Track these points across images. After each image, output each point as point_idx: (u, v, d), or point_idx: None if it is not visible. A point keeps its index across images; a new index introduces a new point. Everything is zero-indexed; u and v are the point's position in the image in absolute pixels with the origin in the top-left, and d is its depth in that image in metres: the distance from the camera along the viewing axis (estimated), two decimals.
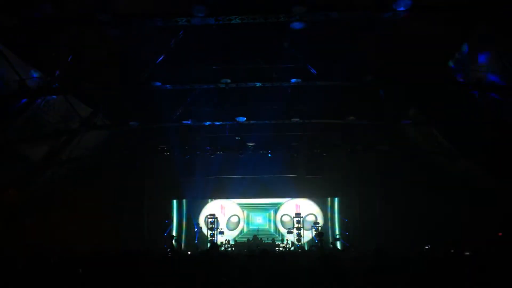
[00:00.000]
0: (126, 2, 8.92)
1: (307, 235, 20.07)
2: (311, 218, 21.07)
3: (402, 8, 7.99)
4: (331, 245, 18.65)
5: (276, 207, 21.71)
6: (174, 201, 21.47)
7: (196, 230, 20.75)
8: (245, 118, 14.26)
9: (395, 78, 11.36)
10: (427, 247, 14.64)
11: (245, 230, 21.66)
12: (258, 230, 20.74)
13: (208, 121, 14.91)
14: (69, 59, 10.76)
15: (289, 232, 20.35)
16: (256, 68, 11.88)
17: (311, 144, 17.74)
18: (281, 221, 21.58)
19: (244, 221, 21.85)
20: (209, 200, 21.66)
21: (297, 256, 13.63)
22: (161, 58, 11.30)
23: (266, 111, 14.57)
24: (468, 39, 10.09)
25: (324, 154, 18.17)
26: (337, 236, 20.12)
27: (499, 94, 10.59)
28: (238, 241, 20.70)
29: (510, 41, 9.06)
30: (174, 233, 20.52)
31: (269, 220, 21.71)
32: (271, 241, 20.13)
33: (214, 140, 17.62)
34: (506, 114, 10.74)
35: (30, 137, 13.35)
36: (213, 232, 19.92)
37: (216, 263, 7.06)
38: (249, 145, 17.70)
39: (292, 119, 14.46)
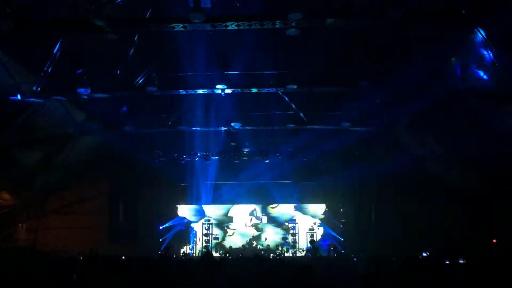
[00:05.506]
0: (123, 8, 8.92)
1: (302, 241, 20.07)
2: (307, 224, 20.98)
3: (398, 15, 7.98)
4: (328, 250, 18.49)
5: (272, 214, 21.63)
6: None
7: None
8: (240, 124, 14.24)
9: (390, 83, 11.36)
10: (425, 254, 14.58)
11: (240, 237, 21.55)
12: (253, 237, 20.63)
13: (203, 127, 14.87)
14: (64, 63, 10.73)
15: (284, 239, 20.30)
16: (253, 74, 11.89)
17: (306, 150, 17.72)
18: (276, 227, 21.50)
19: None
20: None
21: (287, 262, 13.55)
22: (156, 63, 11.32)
23: (262, 116, 14.57)
24: (462, 45, 10.12)
25: (320, 159, 18.16)
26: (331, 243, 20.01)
27: (491, 100, 10.61)
28: (233, 248, 20.59)
29: (504, 45, 9.09)
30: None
31: (264, 226, 21.60)
32: (266, 248, 20.07)
33: (209, 145, 17.58)
34: (499, 121, 10.77)
35: (25, 142, 13.27)
36: (208, 238, 19.85)
37: (208, 268, 7.03)
38: (245, 151, 17.67)
39: (288, 125, 14.45)
